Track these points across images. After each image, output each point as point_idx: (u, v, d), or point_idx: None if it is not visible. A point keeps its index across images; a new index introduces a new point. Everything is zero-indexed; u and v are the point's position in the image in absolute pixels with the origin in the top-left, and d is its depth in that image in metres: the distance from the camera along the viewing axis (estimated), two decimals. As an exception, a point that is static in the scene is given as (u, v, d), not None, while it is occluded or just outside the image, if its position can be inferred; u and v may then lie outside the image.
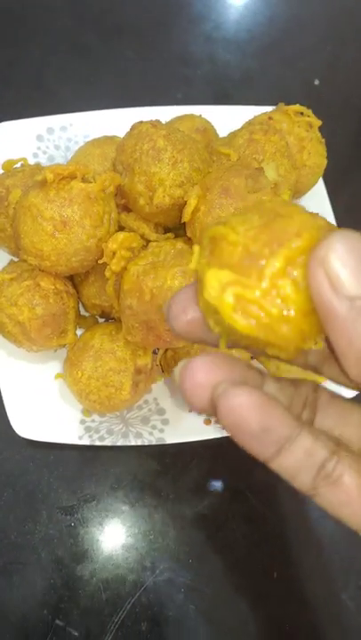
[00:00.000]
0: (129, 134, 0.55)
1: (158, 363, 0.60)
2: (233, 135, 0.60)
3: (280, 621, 0.57)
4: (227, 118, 0.68)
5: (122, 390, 0.55)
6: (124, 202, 0.56)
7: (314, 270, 0.19)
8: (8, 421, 0.57)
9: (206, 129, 0.64)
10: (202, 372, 0.23)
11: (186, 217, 0.52)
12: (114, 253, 0.52)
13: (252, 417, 0.22)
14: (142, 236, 0.55)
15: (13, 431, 0.57)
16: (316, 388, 0.26)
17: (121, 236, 0.52)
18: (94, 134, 0.68)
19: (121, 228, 0.56)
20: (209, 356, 0.23)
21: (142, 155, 0.53)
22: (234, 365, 0.23)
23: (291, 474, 0.23)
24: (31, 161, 0.67)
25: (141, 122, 0.55)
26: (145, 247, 0.54)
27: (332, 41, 0.83)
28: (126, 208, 0.57)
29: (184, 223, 0.53)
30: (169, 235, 0.57)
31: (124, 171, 0.55)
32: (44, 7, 0.81)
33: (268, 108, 0.66)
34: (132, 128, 0.55)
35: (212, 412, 0.23)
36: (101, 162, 0.60)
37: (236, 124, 0.63)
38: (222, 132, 0.66)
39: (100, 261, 0.53)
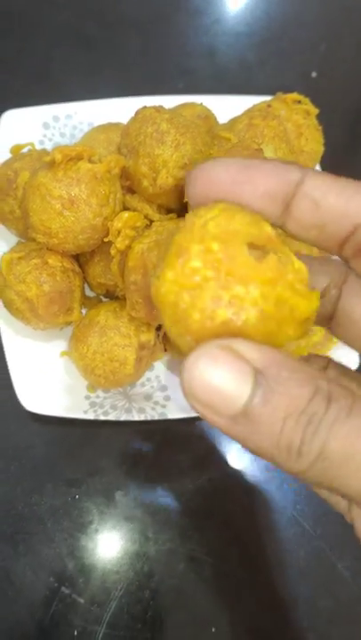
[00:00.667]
0: (133, 118, 0.57)
1: (161, 340, 0.62)
2: (233, 121, 0.62)
3: (280, 590, 0.59)
4: (226, 107, 0.70)
5: (126, 365, 0.57)
6: (129, 183, 0.58)
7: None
8: (14, 399, 0.59)
9: (207, 116, 0.66)
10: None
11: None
12: (119, 232, 0.54)
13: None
14: (146, 217, 0.57)
15: (20, 408, 0.59)
16: (327, 365, 0.28)
17: (126, 215, 0.54)
18: (98, 122, 0.70)
19: (125, 209, 0.58)
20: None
21: (146, 137, 0.55)
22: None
23: None
24: (38, 147, 0.68)
25: (145, 107, 0.57)
26: (149, 226, 0.56)
27: (329, 36, 0.86)
28: (130, 190, 0.59)
29: (186, 204, 0.55)
30: (172, 215, 0.59)
31: (128, 153, 0.57)
32: (48, 1, 0.83)
33: (267, 98, 0.68)
34: (137, 113, 0.58)
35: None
36: (106, 146, 0.62)
37: (236, 113, 0.66)
38: (222, 120, 0.69)
39: (106, 239, 0.55)
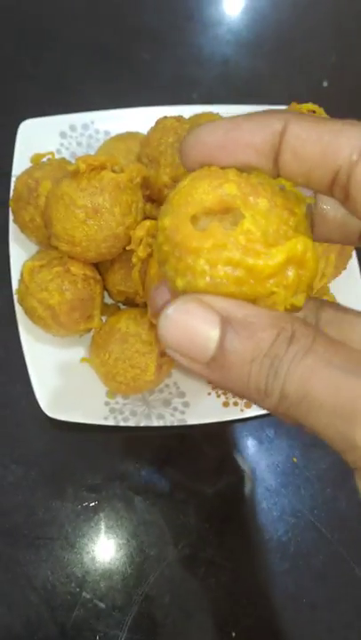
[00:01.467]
0: (154, 128, 0.58)
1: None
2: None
3: (298, 595, 0.59)
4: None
5: (147, 372, 0.58)
6: (149, 193, 0.59)
7: (168, 353, 0.23)
8: (34, 405, 0.60)
9: (224, 125, 0.67)
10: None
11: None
12: (140, 240, 0.55)
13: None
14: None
15: (40, 413, 0.60)
16: (320, 307, 0.28)
17: (148, 223, 0.55)
18: (115, 131, 0.71)
19: (146, 219, 0.59)
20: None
21: (168, 147, 0.56)
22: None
23: None
24: (55, 157, 0.69)
25: (166, 117, 0.59)
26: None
27: (340, 45, 0.87)
28: (151, 199, 0.60)
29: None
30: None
31: (149, 163, 0.58)
32: (65, 11, 0.84)
33: (281, 107, 0.69)
34: (157, 122, 0.59)
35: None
36: (126, 155, 0.63)
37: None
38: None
39: (128, 248, 0.56)
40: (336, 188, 0.25)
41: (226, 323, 0.22)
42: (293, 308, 0.24)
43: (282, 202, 0.24)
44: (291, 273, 0.23)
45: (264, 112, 0.26)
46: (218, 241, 0.23)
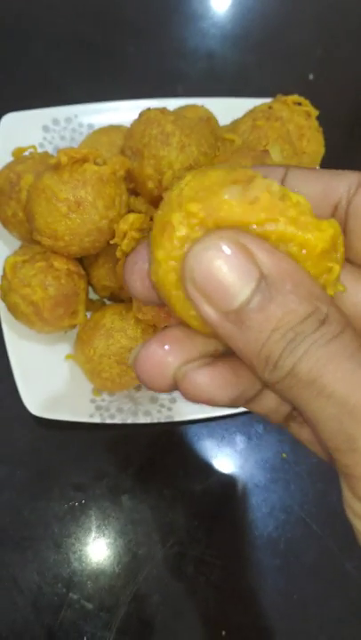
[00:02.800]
0: (137, 120, 0.57)
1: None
2: (236, 123, 0.62)
3: (289, 591, 0.59)
4: (226, 110, 0.70)
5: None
6: (133, 186, 0.58)
7: (186, 289, 0.22)
8: (19, 403, 0.59)
9: (209, 118, 0.66)
10: (156, 357, 0.24)
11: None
12: (124, 234, 0.54)
13: (220, 395, 0.24)
14: (151, 219, 0.57)
15: (24, 412, 0.59)
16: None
17: (132, 217, 0.54)
18: (98, 125, 0.70)
19: (130, 212, 0.58)
20: (163, 339, 0.24)
21: (151, 139, 0.55)
22: (188, 341, 0.25)
23: (265, 416, 0.27)
24: (38, 151, 0.68)
25: (150, 109, 0.57)
26: (154, 228, 0.56)
27: (325, 38, 0.86)
28: (135, 192, 0.59)
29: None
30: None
31: (132, 155, 0.57)
32: (46, 3, 0.83)
33: (266, 100, 0.69)
34: (141, 114, 0.57)
35: (171, 390, 0.24)
36: (109, 148, 0.62)
37: (235, 115, 0.66)
38: (223, 122, 0.69)
39: (112, 242, 0.54)
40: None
41: (263, 281, 0.20)
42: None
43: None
44: (339, 251, 0.23)
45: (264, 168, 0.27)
46: (271, 213, 0.21)
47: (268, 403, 0.26)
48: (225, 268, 0.20)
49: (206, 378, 0.23)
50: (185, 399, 0.24)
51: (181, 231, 0.22)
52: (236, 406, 0.25)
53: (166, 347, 0.24)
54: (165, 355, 0.24)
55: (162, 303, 0.25)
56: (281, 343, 0.20)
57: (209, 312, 0.21)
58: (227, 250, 0.20)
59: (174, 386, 0.24)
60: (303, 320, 0.20)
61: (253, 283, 0.20)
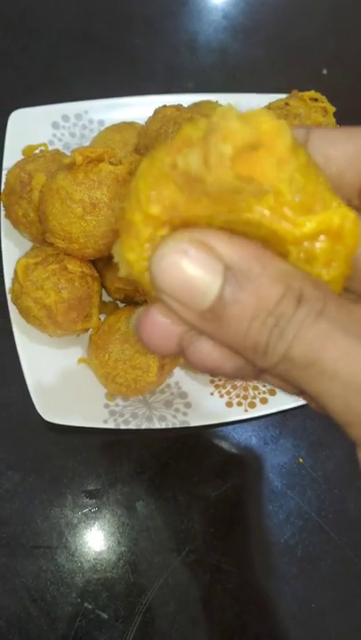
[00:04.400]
0: (153, 118, 0.56)
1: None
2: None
3: (306, 599, 0.58)
4: (241, 105, 0.68)
5: (149, 372, 0.55)
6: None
7: (160, 297, 0.21)
8: (31, 407, 0.58)
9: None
10: (161, 322, 0.23)
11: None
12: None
13: (226, 363, 0.23)
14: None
15: (37, 416, 0.57)
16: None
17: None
18: (109, 121, 0.68)
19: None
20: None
21: (167, 137, 0.53)
22: None
23: (282, 388, 0.25)
24: (48, 148, 0.66)
25: (165, 106, 0.56)
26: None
27: (338, 31, 0.85)
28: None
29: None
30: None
31: (148, 154, 0.55)
32: (54, -4, 0.81)
33: (281, 96, 0.67)
34: (156, 112, 0.56)
35: (175, 354, 0.24)
36: (122, 147, 0.61)
37: (250, 111, 0.64)
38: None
39: (115, 260, 0.53)
40: None
41: (229, 272, 0.20)
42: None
43: (311, 157, 0.22)
44: (322, 243, 0.21)
45: None
46: (232, 206, 0.20)
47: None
48: (188, 271, 0.20)
49: (211, 345, 0.22)
50: (191, 366, 0.24)
51: (146, 232, 0.21)
52: (244, 377, 0.24)
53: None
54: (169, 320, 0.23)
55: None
56: (264, 330, 0.20)
57: (186, 315, 0.21)
58: (186, 251, 0.20)
59: (179, 351, 0.23)
60: (279, 302, 0.20)
61: (220, 277, 0.20)
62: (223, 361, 0.23)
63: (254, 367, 0.24)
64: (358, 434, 0.20)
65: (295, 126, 0.25)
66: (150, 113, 0.61)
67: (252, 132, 0.19)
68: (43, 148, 0.62)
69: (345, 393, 0.20)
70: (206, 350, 0.23)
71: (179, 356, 0.58)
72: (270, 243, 0.22)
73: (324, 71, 0.81)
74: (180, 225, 0.21)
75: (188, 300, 0.20)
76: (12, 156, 0.64)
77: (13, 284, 0.56)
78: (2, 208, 0.61)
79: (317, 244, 0.21)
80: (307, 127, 0.25)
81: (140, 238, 0.21)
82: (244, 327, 0.20)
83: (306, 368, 0.20)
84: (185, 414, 0.60)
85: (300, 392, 0.26)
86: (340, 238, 0.21)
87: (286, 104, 0.63)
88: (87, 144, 0.68)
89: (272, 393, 0.61)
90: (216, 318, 0.20)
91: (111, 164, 0.52)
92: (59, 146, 0.68)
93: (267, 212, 0.20)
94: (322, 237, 0.21)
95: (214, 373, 0.23)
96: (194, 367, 0.24)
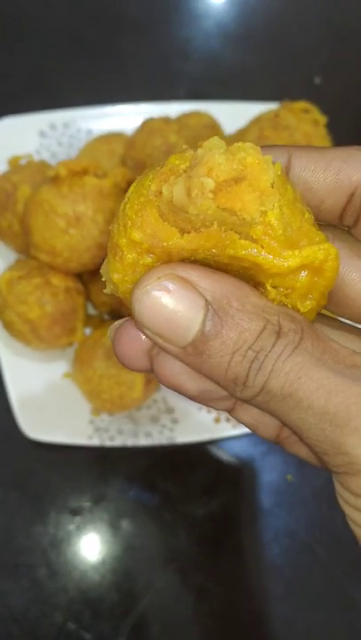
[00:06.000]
0: (140, 130, 0.55)
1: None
2: (242, 132, 0.60)
3: (294, 619, 0.57)
4: (231, 114, 0.67)
5: (134, 389, 0.54)
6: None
7: (143, 332, 0.21)
8: (14, 422, 0.57)
9: (213, 126, 0.63)
10: (133, 336, 0.23)
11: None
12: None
13: (189, 384, 0.23)
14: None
15: (19, 431, 0.56)
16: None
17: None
18: (97, 130, 0.67)
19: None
20: None
21: (154, 150, 0.52)
22: None
23: (253, 428, 0.26)
24: (34, 157, 0.65)
25: (152, 118, 0.55)
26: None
27: (330, 40, 0.83)
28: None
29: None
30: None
31: (134, 166, 0.54)
32: (43, 1, 0.80)
33: (271, 105, 0.66)
34: (143, 124, 0.55)
35: (147, 371, 0.24)
36: (109, 158, 0.60)
37: (240, 120, 0.63)
38: (226, 127, 0.66)
39: (103, 279, 0.52)
40: (348, 213, 0.25)
41: (209, 307, 0.20)
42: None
43: (298, 193, 0.22)
44: (303, 277, 0.22)
45: (264, 147, 0.25)
46: (214, 242, 0.21)
47: (251, 411, 0.26)
48: (170, 307, 0.20)
49: (177, 364, 0.23)
50: (159, 382, 0.24)
51: (130, 256, 0.21)
52: (207, 403, 0.25)
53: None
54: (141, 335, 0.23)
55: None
56: (244, 364, 0.20)
57: (169, 349, 0.21)
58: (167, 288, 0.20)
59: (150, 367, 0.24)
60: (258, 336, 0.20)
61: (201, 312, 0.20)
62: (186, 380, 0.23)
63: (233, 399, 0.25)
64: (334, 462, 0.21)
65: (278, 147, 0.25)
66: (139, 122, 0.60)
67: (235, 166, 0.20)
68: (28, 158, 0.61)
69: (320, 423, 0.20)
70: (171, 366, 0.23)
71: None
72: (249, 273, 0.22)
73: (317, 79, 0.80)
74: (164, 254, 0.21)
75: (170, 335, 0.21)
76: (-2, 166, 0.63)
77: (-3, 297, 0.55)
78: (-14, 219, 0.60)
79: (299, 277, 0.22)
80: (289, 150, 0.25)
81: (124, 262, 0.22)
82: (225, 361, 0.20)
83: (283, 400, 0.20)
84: (172, 430, 0.59)
85: (276, 434, 0.27)
86: (321, 272, 0.22)
87: (277, 115, 0.62)
88: (75, 153, 0.67)
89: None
90: (198, 352, 0.21)
91: (96, 176, 0.51)
92: (46, 155, 0.67)
93: (252, 245, 0.21)
94: (304, 272, 0.22)
95: (177, 391, 0.24)
96: (160, 382, 0.24)
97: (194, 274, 0.20)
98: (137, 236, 0.21)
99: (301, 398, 0.20)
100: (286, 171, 0.25)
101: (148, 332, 0.21)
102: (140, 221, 0.21)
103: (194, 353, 0.21)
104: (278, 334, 0.20)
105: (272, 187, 0.20)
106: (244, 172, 0.20)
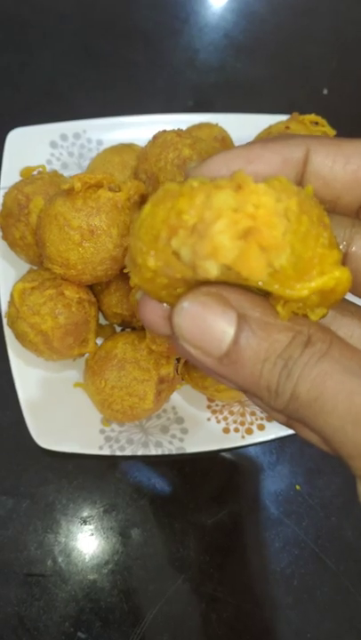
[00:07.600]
0: (153, 143, 0.55)
1: (178, 371, 0.60)
2: (253, 144, 0.60)
3: (303, 629, 0.57)
4: (241, 126, 0.68)
5: (145, 400, 0.55)
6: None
7: (180, 346, 0.23)
8: (26, 431, 0.57)
9: (224, 138, 0.64)
10: (155, 305, 0.25)
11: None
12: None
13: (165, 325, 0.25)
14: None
15: (31, 441, 0.57)
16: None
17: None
18: (108, 141, 0.68)
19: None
20: None
21: (167, 164, 0.53)
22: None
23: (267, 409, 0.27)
24: (46, 167, 0.66)
25: (165, 131, 0.55)
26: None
27: (339, 51, 0.84)
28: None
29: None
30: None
31: (147, 179, 0.55)
32: (54, 12, 0.81)
33: (281, 117, 0.67)
34: (156, 137, 0.55)
35: (169, 334, 0.25)
36: (121, 170, 0.60)
37: (250, 132, 0.64)
38: (236, 139, 0.67)
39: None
40: None
41: (242, 320, 0.22)
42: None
43: (317, 212, 0.22)
44: (314, 298, 0.23)
45: (281, 139, 0.26)
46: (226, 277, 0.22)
47: None
48: (207, 320, 0.22)
49: (159, 307, 0.25)
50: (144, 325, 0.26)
51: (148, 275, 0.23)
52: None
53: None
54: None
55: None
56: (275, 371, 0.22)
57: (205, 361, 0.23)
58: (204, 303, 0.22)
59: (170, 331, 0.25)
60: (288, 346, 0.22)
61: (234, 324, 0.22)
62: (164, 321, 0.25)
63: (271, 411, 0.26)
64: (357, 465, 0.22)
65: (296, 139, 0.26)
66: (149, 133, 0.60)
67: (245, 222, 0.20)
68: (41, 169, 0.61)
69: (344, 426, 0.21)
70: (150, 307, 0.25)
71: (176, 382, 0.58)
72: (263, 291, 0.23)
73: (325, 91, 0.81)
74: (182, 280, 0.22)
75: (207, 346, 0.22)
76: (10, 175, 0.64)
77: (9, 307, 0.56)
78: (-1, 229, 0.60)
79: (310, 297, 0.23)
80: (307, 143, 0.25)
81: (142, 274, 0.23)
82: (257, 369, 0.22)
83: (310, 405, 0.21)
84: (181, 440, 0.59)
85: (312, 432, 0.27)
86: (333, 292, 0.23)
87: (287, 127, 0.62)
88: (86, 164, 0.68)
89: (269, 419, 0.61)
90: (232, 362, 0.22)
91: (110, 190, 0.51)
92: (57, 165, 0.68)
93: (264, 280, 0.22)
94: (315, 294, 0.23)
95: (161, 332, 0.26)
96: (145, 325, 0.26)
97: (227, 291, 0.22)
98: (152, 263, 0.22)
99: (327, 401, 0.21)
100: (303, 163, 0.25)
101: (187, 346, 0.23)
102: (154, 253, 0.22)
103: (229, 363, 0.22)
104: (306, 344, 0.22)
105: (283, 236, 0.21)
106: (254, 223, 0.21)
